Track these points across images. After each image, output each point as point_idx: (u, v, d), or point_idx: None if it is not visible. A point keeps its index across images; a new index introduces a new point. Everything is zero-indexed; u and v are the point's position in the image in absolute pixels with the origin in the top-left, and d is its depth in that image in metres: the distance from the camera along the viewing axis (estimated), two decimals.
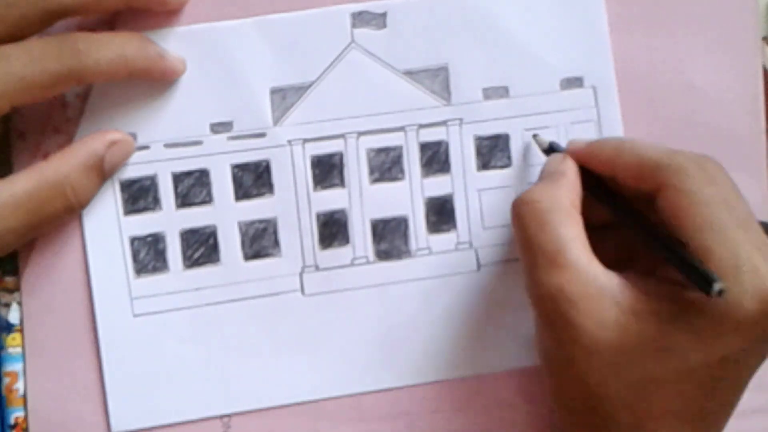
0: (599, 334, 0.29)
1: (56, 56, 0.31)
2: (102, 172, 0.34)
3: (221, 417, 0.36)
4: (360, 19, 0.36)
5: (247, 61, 0.36)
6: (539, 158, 0.37)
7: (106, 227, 0.35)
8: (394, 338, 0.37)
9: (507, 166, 0.37)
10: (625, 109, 0.37)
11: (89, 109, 0.35)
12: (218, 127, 0.36)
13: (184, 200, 0.36)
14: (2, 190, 0.31)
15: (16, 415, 0.35)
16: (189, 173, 0.36)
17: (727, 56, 0.38)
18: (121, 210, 0.36)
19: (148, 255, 0.36)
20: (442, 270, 0.37)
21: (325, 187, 0.37)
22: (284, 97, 0.36)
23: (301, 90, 0.36)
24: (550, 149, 0.35)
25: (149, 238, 0.36)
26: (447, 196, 0.37)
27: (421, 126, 0.37)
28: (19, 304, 0.35)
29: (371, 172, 0.37)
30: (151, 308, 0.36)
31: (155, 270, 0.36)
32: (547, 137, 0.36)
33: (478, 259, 0.37)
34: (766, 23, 0.42)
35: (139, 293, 0.36)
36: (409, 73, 0.36)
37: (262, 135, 0.36)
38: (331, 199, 0.37)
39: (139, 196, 0.36)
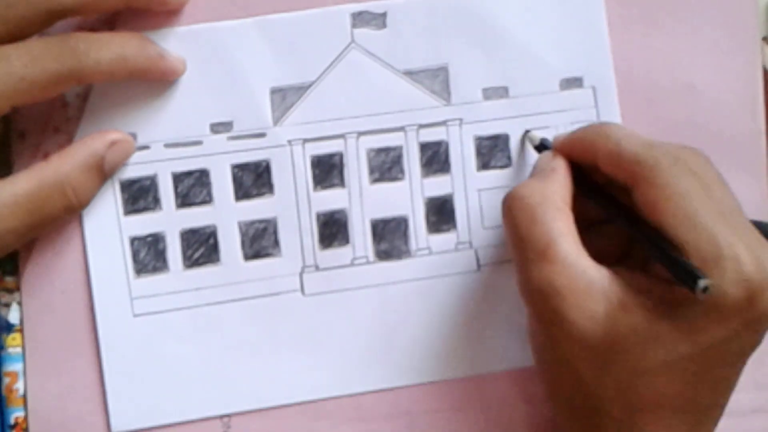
0: (589, 328, 0.29)
1: (56, 56, 0.31)
2: (102, 172, 0.34)
3: (221, 417, 0.36)
4: (360, 19, 0.36)
5: (247, 61, 0.36)
6: (531, 156, 0.37)
7: (106, 227, 0.35)
8: (394, 338, 0.37)
9: (507, 166, 0.37)
10: (625, 110, 0.37)
11: (89, 109, 0.35)
12: (218, 127, 0.36)
13: (184, 200, 0.36)
14: (2, 190, 0.31)
15: (16, 415, 0.35)
16: (189, 173, 0.36)
17: (727, 56, 0.38)
18: (121, 210, 0.36)
19: (148, 255, 0.36)
20: (441, 270, 0.37)
21: (325, 187, 0.37)
22: (284, 97, 0.36)
23: (301, 90, 0.36)
24: (542, 146, 0.35)
25: (149, 238, 0.36)
26: (447, 196, 0.37)
27: (421, 126, 0.37)
28: (19, 304, 0.35)
29: (371, 172, 0.37)
30: (151, 308, 0.36)
31: (155, 270, 0.36)
32: (538, 134, 0.36)
33: (477, 259, 0.37)
34: (766, 23, 0.42)
35: (139, 293, 0.36)
36: (409, 73, 0.37)
37: (262, 135, 0.36)
38: (331, 199, 0.37)
39: (139, 196, 0.36)
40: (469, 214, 0.37)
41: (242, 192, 0.36)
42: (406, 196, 0.37)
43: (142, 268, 0.36)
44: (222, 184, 0.36)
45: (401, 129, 0.37)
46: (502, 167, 0.37)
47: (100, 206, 0.35)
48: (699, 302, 0.28)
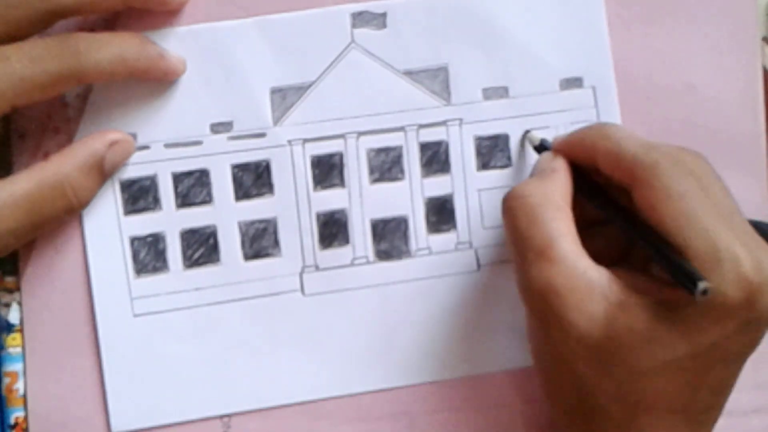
0: (588, 328, 0.29)
1: (56, 56, 0.31)
2: (102, 172, 0.34)
3: (221, 417, 0.36)
4: (360, 19, 0.36)
5: (247, 61, 0.36)
6: (532, 156, 0.37)
7: (106, 227, 0.35)
8: (394, 338, 0.37)
9: (507, 166, 0.37)
10: (625, 110, 0.37)
11: (89, 109, 0.35)
12: (218, 127, 0.36)
13: (184, 200, 0.36)
14: (2, 190, 0.31)
15: (16, 415, 0.35)
16: (189, 173, 0.36)
17: (727, 56, 0.38)
18: (121, 210, 0.36)
19: (148, 255, 0.36)
20: (441, 270, 0.37)
21: (325, 187, 0.37)
22: (284, 97, 0.36)
23: (301, 90, 0.36)
24: (542, 147, 0.35)
25: (149, 238, 0.36)
26: (447, 196, 0.37)
27: (421, 126, 0.37)
28: (19, 304, 0.35)
29: (371, 172, 0.37)
30: (151, 308, 0.36)
31: (155, 270, 0.36)
32: (546, 137, 0.36)
33: (477, 259, 0.37)
34: (766, 23, 0.42)
35: (139, 293, 0.36)
36: (409, 73, 0.36)
37: (262, 135, 0.36)
38: (331, 199, 0.37)
39: (139, 196, 0.36)
40: (469, 214, 0.37)
41: (242, 192, 0.36)
42: (406, 196, 0.37)
43: (142, 268, 0.36)
44: (222, 184, 0.36)
45: (401, 129, 0.37)
46: (502, 167, 0.37)
47: (100, 206, 0.35)
48: (697, 303, 0.28)
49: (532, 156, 0.37)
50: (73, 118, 0.35)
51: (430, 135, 0.37)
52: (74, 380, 0.35)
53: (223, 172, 0.36)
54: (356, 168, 0.37)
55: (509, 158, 0.37)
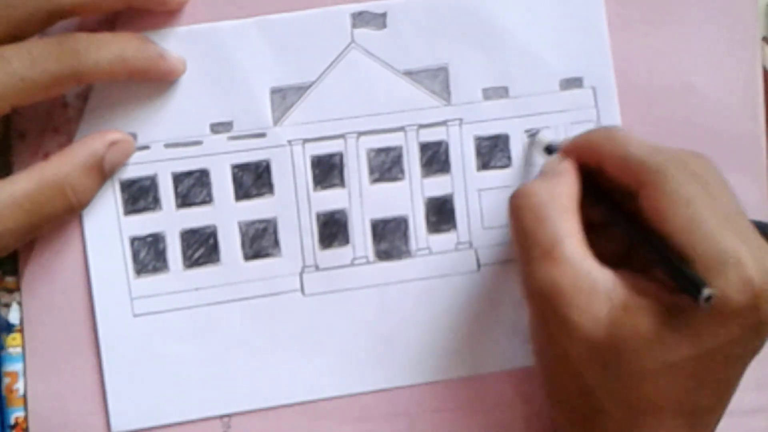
0: (591, 329, 0.29)
1: (56, 56, 0.31)
2: (102, 172, 0.34)
3: (221, 417, 0.36)
4: (360, 19, 0.36)
5: (247, 61, 0.36)
6: (539, 158, 0.37)
7: (106, 227, 0.35)
8: (394, 338, 0.37)
9: (507, 166, 0.37)
10: (625, 110, 0.37)
11: (89, 109, 0.35)
12: (218, 127, 0.36)
13: (184, 200, 0.36)
14: (2, 190, 0.31)
15: (16, 415, 0.35)
16: (189, 173, 0.36)
17: (727, 56, 0.38)
18: (121, 210, 0.36)
19: (148, 255, 0.36)
20: (442, 270, 0.37)
21: (325, 187, 0.37)
22: (284, 97, 0.36)
23: (301, 90, 0.36)
24: (549, 150, 0.35)
25: (149, 238, 0.36)
26: (447, 196, 0.37)
27: (421, 126, 0.37)
28: (19, 304, 0.35)
29: (371, 172, 0.37)
30: (151, 308, 0.36)
31: (155, 270, 0.36)
32: (547, 137, 0.36)
33: (477, 259, 0.37)
34: (766, 23, 0.42)
35: (139, 293, 0.36)
36: (409, 73, 0.36)
37: (262, 135, 0.36)
38: (331, 199, 0.37)
39: (139, 196, 0.36)
40: (469, 214, 0.37)
41: (242, 192, 0.36)
42: (406, 196, 0.37)
43: (142, 268, 0.36)
44: (222, 184, 0.36)
45: (401, 129, 0.37)
46: (502, 167, 0.37)
47: (100, 206, 0.35)
48: (699, 308, 0.28)
49: (534, 157, 0.37)
50: (73, 118, 0.35)
51: (430, 135, 0.37)
52: (74, 380, 0.35)
53: (223, 172, 0.36)
54: (356, 168, 0.37)
55: (509, 158, 0.37)
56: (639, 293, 0.29)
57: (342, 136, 0.36)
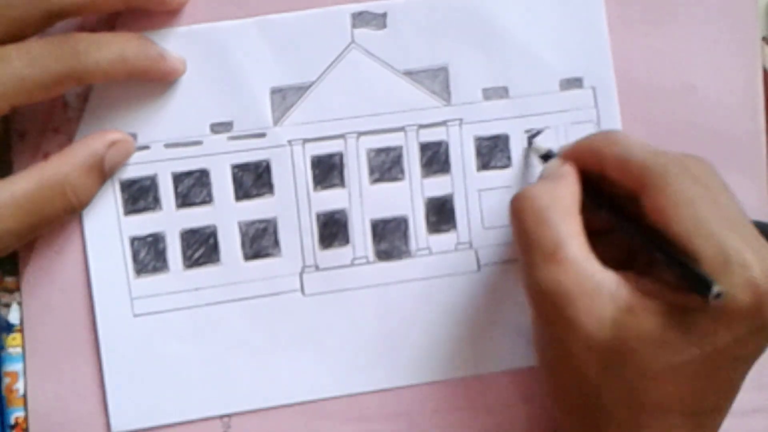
0: (596, 331, 0.29)
1: (56, 56, 0.31)
2: (102, 172, 0.34)
3: (221, 417, 0.36)
4: (360, 19, 0.36)
5: (247, 61, 0.36)
6: (532, 160, 0.37)
7: (106, 227, 0.35)
8: (394, 338, 0.37)
9: (507, 166, 0.37)
10: (625, 110, 0.37)
11: (89, 109, 0.35)
12: (218, 127, 0.36)
13: (184, 200, 0.36)
14: (2, 190, 0.31)
15: (16, 415, 0.35)
16: (189, 173, 0.36)
17: (727, 56, 0.38)
18: (121, 210, 0.36)
19: (148, 255, 0.36)
20: (442, 270, 0.37)
21: (325, 187, 0.37)
22: (284, 97, 0.36)
23: (301, 90, 0.36)
24: (547, 156, 0.35)
25: (149, 238, 0.36)
26: (447, 197, 0.37)
27: (421, 126, 0.37)
28: (19, 304, 0.35)
29: (371, 172, 0.37)
30: (151, 308, 0.36)
31: (155, 270, 0.36)
32: (547, 138, 0.37)
33: (478, 260, 0.37)
34: (766, 23, 0.42)
35: (139, 293, 0.36)
36: (409, 73, 0.36)
37: (262, 135, 0.36)
38: (331, 199, 0.37)
39: (139, 196, 0.36)
40: (469, 214, 0.37)
41: (242, 192, 0.36)
42: (406, 196, 0.37)
43: (142, 268, 0.36)
44: (222, 184, 0.36)
45: (401, 129, 0.37)
46: (502, 167, 0.37)
47: (100, 206, 0.35)
48: (707, 307, 0.28)
49: (532, 162, 0.37)
50: (73, 118, 0.35)
51: (430, 135, 0.37)
52: (74, 380, 0.35)
53: (223, 172, 0.36)
54: (356, 168, 0.37)
55: (509, 158, 0.37)
56: (643, 294, 0.29)
57: (342, 136, 0.36)
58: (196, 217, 0.36)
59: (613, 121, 0.37)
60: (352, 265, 0.37)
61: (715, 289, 0.27)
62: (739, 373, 0.30)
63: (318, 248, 0.36)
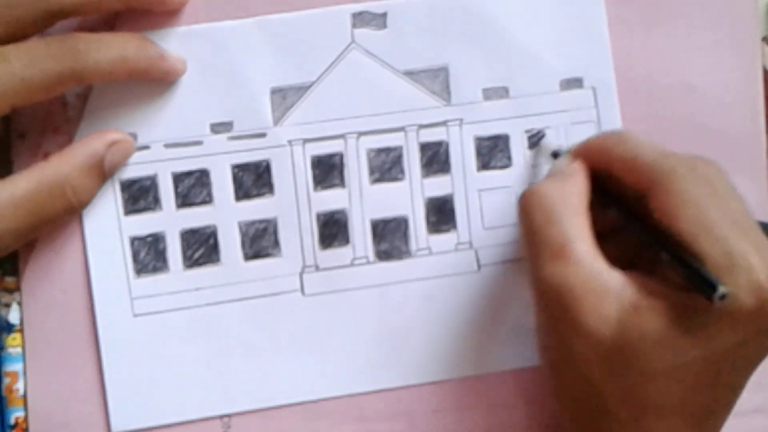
0: (600, 330, 0.29)
1: (56, 57, 0.31)
2: (102, 172, 0.34)
3: (221, 417, 0.36)
4: (360, 19, 0.36)
5: (247, 61, 0.36)
6: (540, 159, 0.37)
7: (106, 227, 0.35)
8: (394, 338, 0.37)
9: (507, 166, 0.37)
10: (625, 110, 0.37)
11: (89, 109, 0.35)
12: (218, 127, 0.36)
13: (184, 200, 0.36)
14: (2, 190, 0.31)
15: (16, 415, 0.35)
16: (189, 173, 0.36)
17: (727, 56, 0.38)
18: (121, 210, 0.36)
19: (148, 255, 0.36)
20: (442, 270, 0.37)
21: (325, 187, 0.37)
22: (284, 97, 0.36)
23: (301, 90, 0.36)
24: (555, 155, 0.35)
25: (149, 238, 0.36)
26: (447, 197, 0.37)
27: (422, 126, 0.37)
28: (19, 304, 0.35)
29: (371, 172, 0.37)
30: (151, 308, 0.36)
31: (155, 270, 0.36)
32: (548, 139, 0.37)
33: (478, 260, 0.37)
34: (766, 23, 0.42)
35: (139, 293, 0.36)
36: (409, 74, 0.36)
37: (262, 135, 0.36)
38: (331, 199, 0.37)
39: (139, 196, 0.36)
40: (469, 214, 0.37)
41: (242, 192, 0.36)
42: (406, 197, 0.37)
43: (142, 268, 0.36)
44: (222, 184, 0.36)
45: (401, 129, 0.37)
46: (502, 167, 0.37)
47: (100, 206, 0.35)
48: (711, 309, 0.28)
49: (540, 160, 0.37)
50: (73, 118, 0.35)
51: (431, 135, 0.37)
52: (74, 380, 0.35)
53: (223, 172, 0.36)
54: (356, 168, 0.37)
55: (509, 158, 0.37)
56: (649, 294, 0.29)
57: (342, 136, 0.36)
58: (196, 217, 0.36)
59: (613, 121, 0.37)
60: (352, 265, 0.37)
61: (721, 290, 0.27)
62: (741, 376, 0.30)
63: (318, 248, 0.36)
